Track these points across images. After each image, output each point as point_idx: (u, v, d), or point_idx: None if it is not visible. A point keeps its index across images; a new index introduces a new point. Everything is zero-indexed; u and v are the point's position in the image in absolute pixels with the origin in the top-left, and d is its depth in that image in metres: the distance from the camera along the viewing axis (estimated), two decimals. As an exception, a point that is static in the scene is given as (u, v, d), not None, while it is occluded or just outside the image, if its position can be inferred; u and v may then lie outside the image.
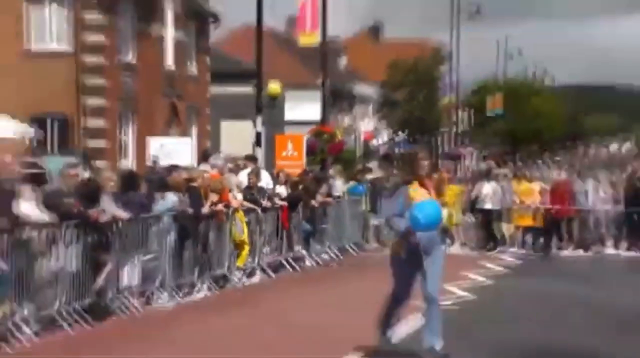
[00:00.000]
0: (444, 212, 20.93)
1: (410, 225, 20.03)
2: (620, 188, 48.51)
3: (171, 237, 31.15)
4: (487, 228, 51.79)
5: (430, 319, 20.50)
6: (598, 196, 48.62)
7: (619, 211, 48.13)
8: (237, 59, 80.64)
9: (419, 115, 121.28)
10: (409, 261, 20.19)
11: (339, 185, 52.04)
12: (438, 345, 20.21)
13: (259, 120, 55.25)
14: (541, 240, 48.77)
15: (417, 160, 21.12)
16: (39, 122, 54.69)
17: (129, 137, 66.27)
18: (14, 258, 23.28)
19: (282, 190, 43.28)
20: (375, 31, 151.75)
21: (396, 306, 21.08)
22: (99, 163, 38.31)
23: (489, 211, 51.64)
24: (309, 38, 68.65)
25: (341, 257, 46.03)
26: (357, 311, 30.27)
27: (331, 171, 55.58)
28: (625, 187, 48.41)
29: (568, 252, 48.12)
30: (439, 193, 21.84)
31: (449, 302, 31.36)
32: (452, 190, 51.23)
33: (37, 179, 29.88)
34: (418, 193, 20.17)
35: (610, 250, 47.50)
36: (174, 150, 52.03)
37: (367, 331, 24.53)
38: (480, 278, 40.01)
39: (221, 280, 34.41)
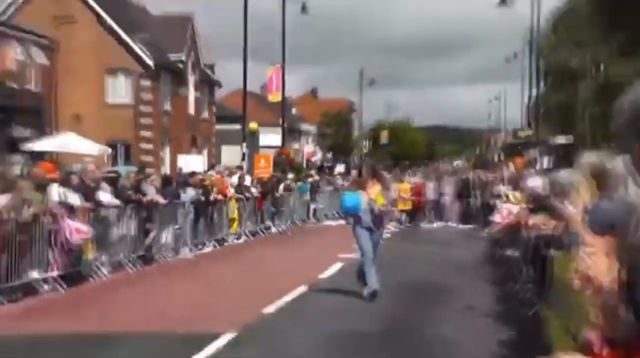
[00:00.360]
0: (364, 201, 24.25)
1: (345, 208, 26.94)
2: (457, 187, 58.60)
3: (191, 215, 38.60)
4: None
5: (372, 269, 24.23)
6: (442, 191, 59.11)
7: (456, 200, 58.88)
8: (232, 109, 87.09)
9: (340, 143, 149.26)
10: (366, 232, 24.59)
11: (292, 184, 61.50)
12: (375, 286, 23.75)
13: (244, 145, 66.97)
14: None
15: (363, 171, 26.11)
16: (112, 145, 61.32)
17: (166, 155, 74.96)
18: (96, 226, 28.64)
19: (256, 188, 52.87)
20: (314, 92, 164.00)
21: (367, 262, 24.23)
22: (148, 170, 42.37)
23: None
24: (274, 97, 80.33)
25: (293, 228, 55.86)
26: (306, 256, 38.08)
27: (289, 176, 65.06)
28: (459, 186, 58.62)
29: (425, 224, 57.78)
30: (364, 188, 25.32)
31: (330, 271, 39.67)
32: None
33: (112, 180, 33.59)
34: (354, 191, 26.08)
35: (452, 223, 57.46)
36: (193, 163, 59.17)
37: (313, 268, 31.27)
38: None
39: (221, 241, 42.66)
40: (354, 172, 78.40)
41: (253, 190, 51.33)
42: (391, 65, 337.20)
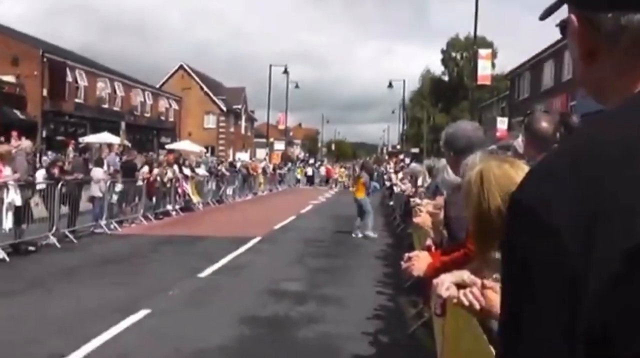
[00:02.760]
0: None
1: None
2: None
3: (240, 180, 37.41)
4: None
5: (368, 220, 19.60)
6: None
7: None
8: (261, 132, 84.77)
9: (311, 149, 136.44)
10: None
11: (290, 167, 60.89)
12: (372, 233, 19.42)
13: (267, 149, 65.32)
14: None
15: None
16: (206, 147, 58.06)
17: (230, 152, 71.29)
18: (198, 184, 29.28)
19: (272, 169, 51.71)
20: (300, 125, 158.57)
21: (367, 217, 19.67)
22: (222, 159, 42.72)
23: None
24: (281, 127, 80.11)
25: (289, 189, 51.12)
26: (294, 202, 38.24)
27: (288, 164, 63.68)
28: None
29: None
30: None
31: (322, 200, 39.66)
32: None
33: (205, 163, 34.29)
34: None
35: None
36: (243, 156, 57.86)
37: (298, 207, 32.47)
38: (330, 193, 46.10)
39: (255, 193, 40.09)
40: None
41: (271, 170, 49.93)
42: (338, 112, 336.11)
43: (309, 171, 62.46)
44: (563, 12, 1.09)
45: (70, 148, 32.38)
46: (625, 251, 0.80)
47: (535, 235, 0.87)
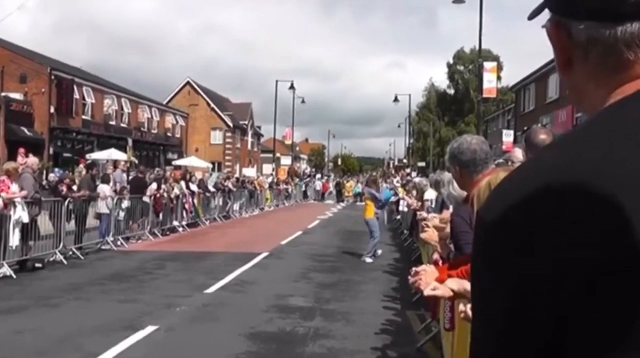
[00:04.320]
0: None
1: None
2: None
3: (247, 196, 37.45)
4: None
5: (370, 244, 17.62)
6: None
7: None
8: (268, 147, 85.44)
9: (318, 164, 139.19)
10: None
11: (296, 182, 59.96)
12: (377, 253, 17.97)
13: (274, 165, 66.12)
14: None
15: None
16: (212, 163, 58.89)
17: (237, 168, 71.51)
18: (204, 200, 28.71)
19: (279, 184, 51.83)
20: (307, 140, 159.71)
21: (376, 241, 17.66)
22: (229, 175, 42.89)
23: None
24: (288, 142, 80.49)
25: (296, 204, 50.75)
26: (301, 217, 38.06)
27: (295, 179, 62.87)
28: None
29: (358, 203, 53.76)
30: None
31: (329, 215, 39.59)
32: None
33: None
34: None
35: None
36: (249, 172, 57.99)
37: (305, 222, 30.98)
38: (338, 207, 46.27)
39: (262, 209, 40.27)
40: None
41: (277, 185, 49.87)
42: (344, 127, 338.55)
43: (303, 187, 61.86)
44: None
45: (82, 166, 32.38)
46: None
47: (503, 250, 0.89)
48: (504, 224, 0.89)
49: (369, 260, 17.30)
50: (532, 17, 1.11)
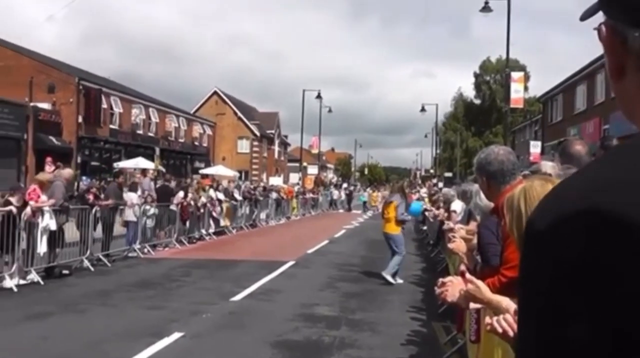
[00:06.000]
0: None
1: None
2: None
3: (274, 205, 37.35)
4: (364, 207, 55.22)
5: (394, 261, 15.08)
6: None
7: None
8: (294, 156, 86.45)
9: (344, 173, 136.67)
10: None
11: (322, 192, 60.35)
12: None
13: (300, 174, 65.71)
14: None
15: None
16: (239, 171, 59.32)
17: (264, 176, 71.54)
18: (230, 208, 28.46)
19: (305, 193, 51.92)
20: (333, 149, 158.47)
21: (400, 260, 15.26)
22: (255, 184, 42.90)
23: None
24: (314, 151, 79.77)
25: (322, 213, 50.57)
26: (328, 226, 37.41)
27: (321, 188, 63.60)
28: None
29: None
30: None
31: (355, 225, 39.50)
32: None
33: (238, 187, 32.61)
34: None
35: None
36: (276, 181, 57.91)
37: (331, 232, 31.97)
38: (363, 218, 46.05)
39: (288, 218, 40.43)
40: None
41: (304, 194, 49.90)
42: (371, 136, 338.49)
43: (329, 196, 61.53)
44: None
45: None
46: None
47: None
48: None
49: (390, 279, 15.06)
50: (584, 17, 1.06)
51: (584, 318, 0.80)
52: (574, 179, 0.93)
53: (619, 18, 0.95)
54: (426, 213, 24.12)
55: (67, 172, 16.36)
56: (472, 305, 3.53)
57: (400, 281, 15.24)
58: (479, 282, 3.20)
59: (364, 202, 58.71)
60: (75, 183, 28.65)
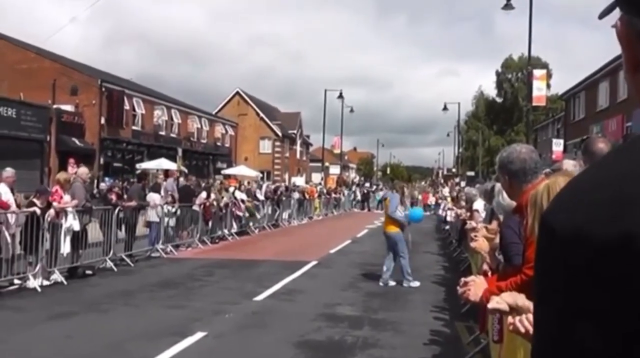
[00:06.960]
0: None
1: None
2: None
3: (296, 205, 37.04)
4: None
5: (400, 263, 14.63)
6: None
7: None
8: (316, 156, 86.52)
9: (366, 173, 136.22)
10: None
11: (344, 192, 59.74)
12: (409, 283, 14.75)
13: (322, 173, 65.54)
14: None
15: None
16: (262, 171, 59.70)
17: (286, 176, 71.73)
18: (253, 208, 29.90)
19: (328, 193, 51.61)
20: (355, 149, 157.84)
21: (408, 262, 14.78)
22: (277, 184, 42.73)
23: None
24: (336, 151, 79.65)
25: (344, 213, 50.21)
26: (349, 225, 37.76)
27: (343, 188, 62.70)
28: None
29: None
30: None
31: (377, 224, 39.22)
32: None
33: (260, 187, 32.55)
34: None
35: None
36: (299, 181, 57.88)
37: (353, 231, 31.37)
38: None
39: (311, 218, 40.08)
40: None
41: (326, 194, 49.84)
42: (393, 135, 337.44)
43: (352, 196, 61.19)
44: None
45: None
46: None
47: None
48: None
49: (413, 283, 14.71)
50: (602, 15, 1.06)
51: (595, 318, 0.79)
52: (590, 173, 0.92)
53: (634, 13, 0.95)
54: (448, 212, 24.12)
55: (82, 171, 16.37)
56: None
57: (417, 283, 14.82)
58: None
59: (379, 201, 58.37)
60: (95, 182, 28.83)
